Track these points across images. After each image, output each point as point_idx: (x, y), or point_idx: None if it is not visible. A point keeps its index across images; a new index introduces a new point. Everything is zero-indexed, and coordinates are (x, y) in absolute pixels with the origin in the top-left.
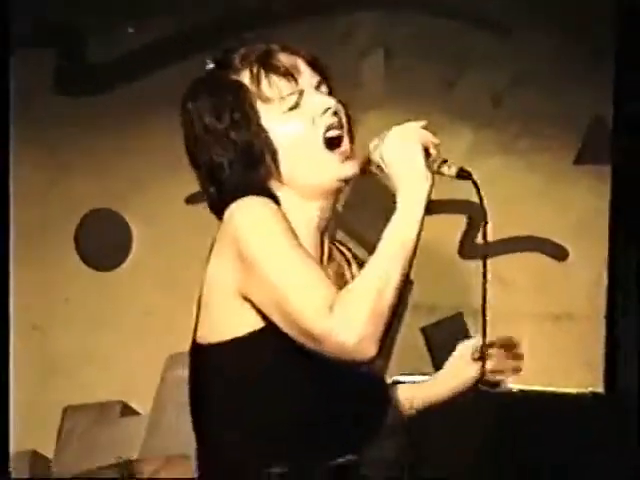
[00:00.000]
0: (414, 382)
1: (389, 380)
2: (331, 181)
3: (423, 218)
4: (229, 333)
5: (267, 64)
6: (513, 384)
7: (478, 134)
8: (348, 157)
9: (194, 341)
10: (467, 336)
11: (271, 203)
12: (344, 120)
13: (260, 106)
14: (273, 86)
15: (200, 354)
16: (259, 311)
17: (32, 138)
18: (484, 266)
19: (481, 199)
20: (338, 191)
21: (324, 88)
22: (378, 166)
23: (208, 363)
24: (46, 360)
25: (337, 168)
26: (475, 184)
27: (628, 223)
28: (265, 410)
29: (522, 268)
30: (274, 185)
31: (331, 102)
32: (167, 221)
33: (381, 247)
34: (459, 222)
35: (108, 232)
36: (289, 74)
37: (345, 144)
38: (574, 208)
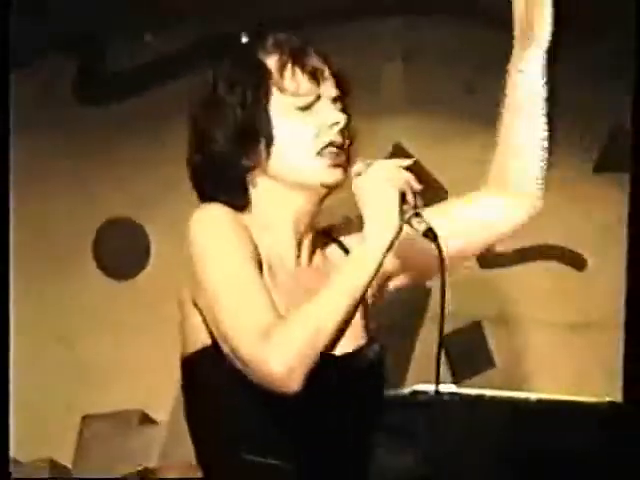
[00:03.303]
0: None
1: (407, 390)
2: (314, 184)
3: (381, 263)
4: (190, 346)
5: (297, 58)
6: (530, 393)
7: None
8: (337, 165)
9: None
10: (485, 345)
11: (233, 214)
12: (346, 140)
13: (274, 93)
14: (294, 80)
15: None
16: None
17: (50, 147)
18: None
19: (442, 259)
20: (321, 196)
21: (339, 105)
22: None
23: (182, 375)
24: (68, 369)
25: (323, 173)
26: (439, 247)
27: None
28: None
29: (541, 277)
30: (257, 173)
31: (342, 118)
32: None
33: (331, 283)
34: None
35: (126, 241)
36: (314, 76)
37: (339, 156)
38: (593, 217)
